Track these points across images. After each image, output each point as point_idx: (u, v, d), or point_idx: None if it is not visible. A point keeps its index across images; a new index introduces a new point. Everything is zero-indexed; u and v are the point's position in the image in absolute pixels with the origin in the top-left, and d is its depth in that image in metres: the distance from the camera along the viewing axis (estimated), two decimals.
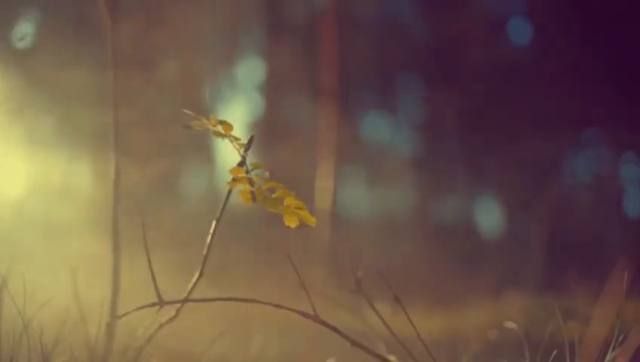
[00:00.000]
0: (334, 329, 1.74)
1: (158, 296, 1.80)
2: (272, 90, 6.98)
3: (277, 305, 1.73)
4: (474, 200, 7.47)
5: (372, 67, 6.98)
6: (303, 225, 1.74)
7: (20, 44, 4.90)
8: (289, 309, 1.72)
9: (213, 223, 1.80)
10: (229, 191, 1.78)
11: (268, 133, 6.64)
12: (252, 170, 1.74)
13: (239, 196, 1.75)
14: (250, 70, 7.26)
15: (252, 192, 1.73)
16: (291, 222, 1.73)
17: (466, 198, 7.40)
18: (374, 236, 6.72)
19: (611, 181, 7.28)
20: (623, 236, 6.90)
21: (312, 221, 1.73)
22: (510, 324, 2.35)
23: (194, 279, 1.83)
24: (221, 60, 6.98)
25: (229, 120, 1.77)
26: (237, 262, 4.34)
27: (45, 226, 4.00)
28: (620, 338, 1.81)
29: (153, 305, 1.79)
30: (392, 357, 2.06)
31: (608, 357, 1.82)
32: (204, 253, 1.83)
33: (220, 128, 1.76)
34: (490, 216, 7.41)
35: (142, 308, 1.78)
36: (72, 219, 4.08)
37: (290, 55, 6.49)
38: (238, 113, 6.93)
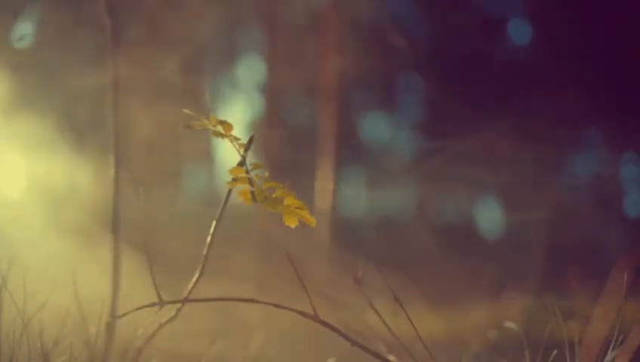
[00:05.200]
0: (334, 329, 1.74)
1: (158, 296, 1.80)
2: (272, 90, 6.98)
3: (277, 305, 1.73)
4: (474, 200, 7.47)
5: (372, 67, 6.98)
6: (302, 224, 1.74)
7: (20, 44, 4.89)
8: (289, 309, 1.72)
9: (213, 223, 1.81)
10: (229, 191, 1.78)
11: (268, 133, 6.64)
12: (252, 170, 1.74)
13: (239, 196, 1.75)
14: (250, 70, 7.26)
15: (252, 192, 1.73)
16: (291, 222, 1.73)
17: (466, 198, 7.40)
18: (374, 236, 6.71)
19: (611, 181, 7.28)
20: (623, 236, 6.89)
21: (312, 221, 1.73)
22: (510, 324, 2.35)
23: (194, 279, 1.84)
24: (221, 60, 6.98)
25: (229, 120, 1.78)
26: (237, 262, 4.34)
27: (45, 226, 4.00)
28: (620, 339, 1.81)
29: (153, 305, 1.79)
30: (392, 357, 2.06)
31: (608, 357, 1.82)
32: (204, 252, 1.83)
33: (219, 128, 1.76)
34: (490, 216, 7.41)
35: (142, 308, 1.78)
36: (72, 219, 4.08)
37: (290, 55, 6.49)
38: (238, 113, 6.92)
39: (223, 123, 1.77)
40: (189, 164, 6.45)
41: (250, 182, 1.73)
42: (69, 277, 2.03)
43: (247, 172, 1.74)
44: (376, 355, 1.77)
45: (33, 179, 4.39)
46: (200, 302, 1.81)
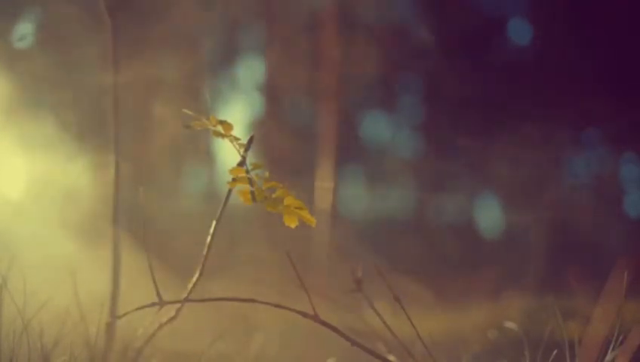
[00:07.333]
0: (334, 329, 1.74)
1: (158, 296, 1.80)
2: (272, 90, 6.98)
3: (277, 305, 1.73)
4: (474, 200, 7.47)
5: (372, 67, 6.98)
6: (302, 224, 1.74)
7: (20, 44, 4.89)
8: (289, 309, 1.72)
9: (213, 223, 1.80)
10: (229, 191, 1.78)
11: (268, 133, 6.64)
12: (252, 170, 1.74)
13: (239, 196, 1.75)
14: (250, 70, 7.25)
15: (252, 192, 1.73)
16: (291, 222, 1.72)
17: (466, 198, 7.40)
18: (374, 236, 6.71)
19: (611, 181, 7.28)
20: (623, 236, 6.90)
21: (312, 221, 1.73)
22: (510, 324, 2.35)
23: (194, 279, 1.83)
24: (221, 60, 6.98)
25: (229, 120, 1.77)
26: (237, 262, 4.34)
27: (45, 226, 4.00)
28: (620, 338, 1.81)
29: (153, 305, 1.79)
30: (392, 357, 2.06)
31: (608, 357, 1.82)
32: (204, 253, 1.83)
33: (219, 128, 1.76)
34: (490, 216, 7.41)
35: (142, 308, 1.78)
36: (72, 219, 4.08)
37: (290, 55, 6.49)
38: (238, 113, 6.92)
39: (223, 123, 1.76)
40: (189, 164, 6.45)
41: (250, 182, 1.73)
42: (69, 277, 2.03)
43: (247, 172, 1.73)
44: (376, 355, 1.77)
45: (33, 179, 4.38)
46: (200, 302, 1.81)
